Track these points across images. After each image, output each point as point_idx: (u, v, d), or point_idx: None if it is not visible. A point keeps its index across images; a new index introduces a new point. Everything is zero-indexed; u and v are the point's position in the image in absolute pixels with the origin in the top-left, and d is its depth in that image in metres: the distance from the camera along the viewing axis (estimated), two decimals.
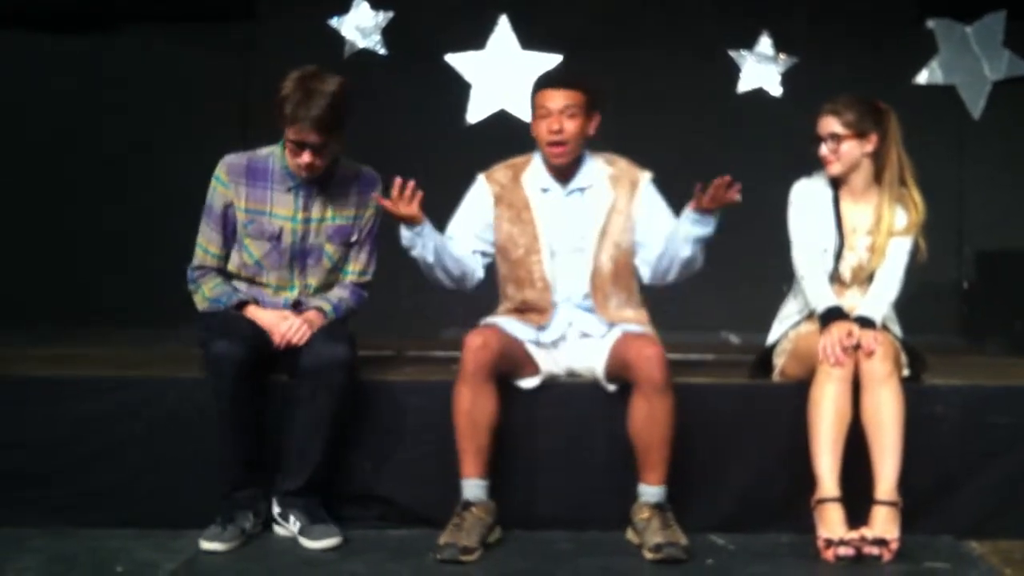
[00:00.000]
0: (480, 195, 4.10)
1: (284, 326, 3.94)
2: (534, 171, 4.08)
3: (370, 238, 4.14)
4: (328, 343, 3.89)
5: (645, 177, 4.09)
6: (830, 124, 4.04)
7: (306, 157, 3.90)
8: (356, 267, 4.15)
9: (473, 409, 3.80)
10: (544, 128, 3.97)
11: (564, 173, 4.05)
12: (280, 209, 4.04)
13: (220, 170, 4.06)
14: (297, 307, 4.06)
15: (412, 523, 4.02)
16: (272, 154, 4.05)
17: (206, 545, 3.78)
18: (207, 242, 4.08)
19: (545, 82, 4.07)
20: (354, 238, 4.11)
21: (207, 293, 4.05)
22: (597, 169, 4.07)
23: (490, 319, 4.06)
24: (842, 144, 4.03)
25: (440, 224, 3.99)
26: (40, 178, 6.24)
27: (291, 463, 3.91)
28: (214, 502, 3.88)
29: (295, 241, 4.05)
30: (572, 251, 4.03)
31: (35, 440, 4.09)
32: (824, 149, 4.06)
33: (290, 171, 4.01)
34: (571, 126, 3.95)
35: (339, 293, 4.12)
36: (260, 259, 4.06)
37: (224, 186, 4.04)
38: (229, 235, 4.07)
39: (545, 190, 4.06)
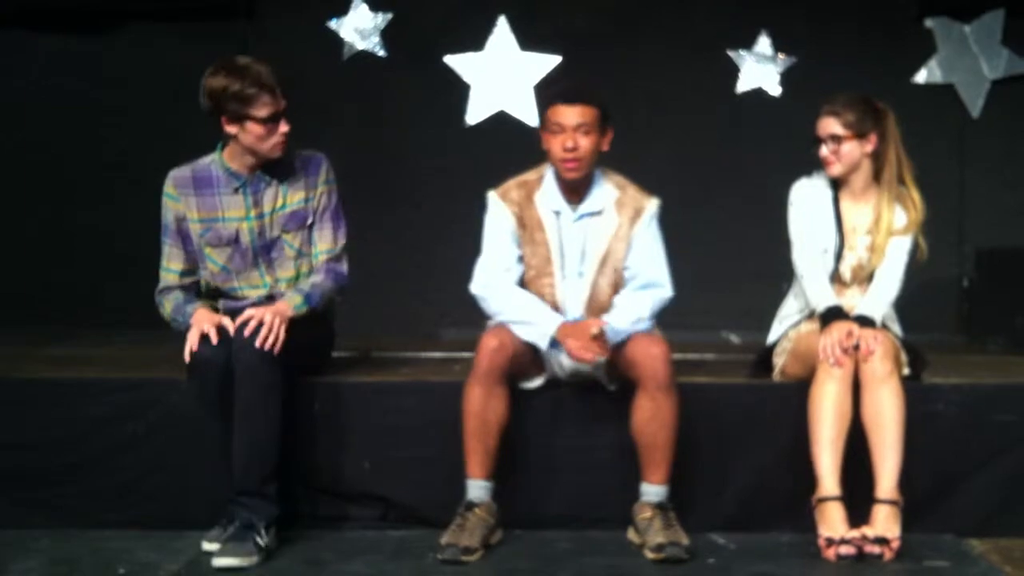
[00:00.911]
0: (504, 220, 3.98)
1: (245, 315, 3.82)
2: (546, 191, 3.99)
3: (328, 213, 4.09)
4: (243, 336, 3.78)
5: (650, 208, 3.99)
6: (830, 125, 4.04)
7: (283, 127, 3.90)
8: (324, 245, 4.09)
9: (485, 410, 3.79)
10: (558, 145, 3.88)
11: (575, 193, 3.97)
12: (232, 212, 4.02)
13: (167, 186, 4.04)
14: (271, 301, 3.99)
15: (412, 523, 4.03)
16: (213, 161, 4.03)
17: (208, 546, 3.79)
18: (168, 260, 4.06)
19: (558, 97, 3.94)
20: (310, 220, 4.08)
21: (168, 312, 4.01)
22: (607, 192, 3.99)
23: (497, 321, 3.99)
24: (842, 145, 4.03)
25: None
26: (40, 178, 6.22)
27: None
28: (216, 503, 3.88)
29: (253, 240, 4.03)
30: (574, 275, 3.98)
31: (37, 441, 4.10)
32: (824, 150, 4.06)
33: (234, 172, 4.00)
34: (586, 143, 3.87)
35: (312, 279, 4.04)
36: (225, 264, 4.04)
37: (174, 200, 4.03)
38: (189, 248, 4.05)
39: (557, 212, 3.98)
